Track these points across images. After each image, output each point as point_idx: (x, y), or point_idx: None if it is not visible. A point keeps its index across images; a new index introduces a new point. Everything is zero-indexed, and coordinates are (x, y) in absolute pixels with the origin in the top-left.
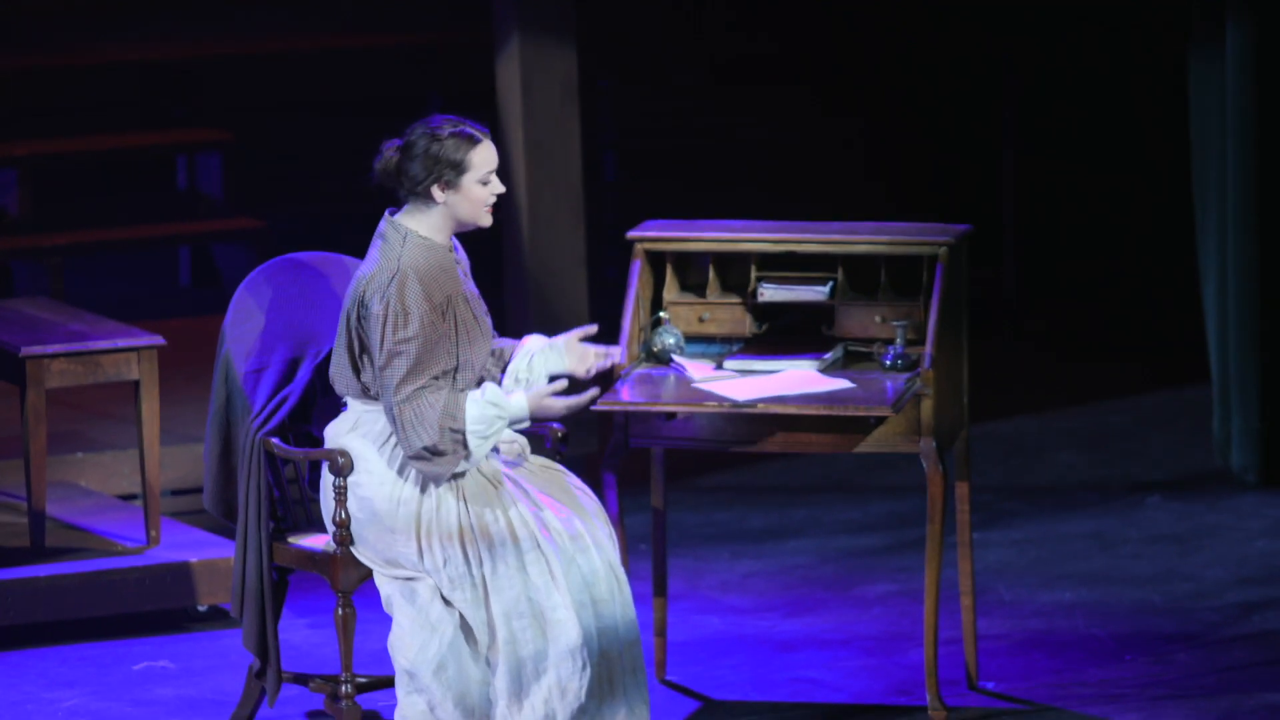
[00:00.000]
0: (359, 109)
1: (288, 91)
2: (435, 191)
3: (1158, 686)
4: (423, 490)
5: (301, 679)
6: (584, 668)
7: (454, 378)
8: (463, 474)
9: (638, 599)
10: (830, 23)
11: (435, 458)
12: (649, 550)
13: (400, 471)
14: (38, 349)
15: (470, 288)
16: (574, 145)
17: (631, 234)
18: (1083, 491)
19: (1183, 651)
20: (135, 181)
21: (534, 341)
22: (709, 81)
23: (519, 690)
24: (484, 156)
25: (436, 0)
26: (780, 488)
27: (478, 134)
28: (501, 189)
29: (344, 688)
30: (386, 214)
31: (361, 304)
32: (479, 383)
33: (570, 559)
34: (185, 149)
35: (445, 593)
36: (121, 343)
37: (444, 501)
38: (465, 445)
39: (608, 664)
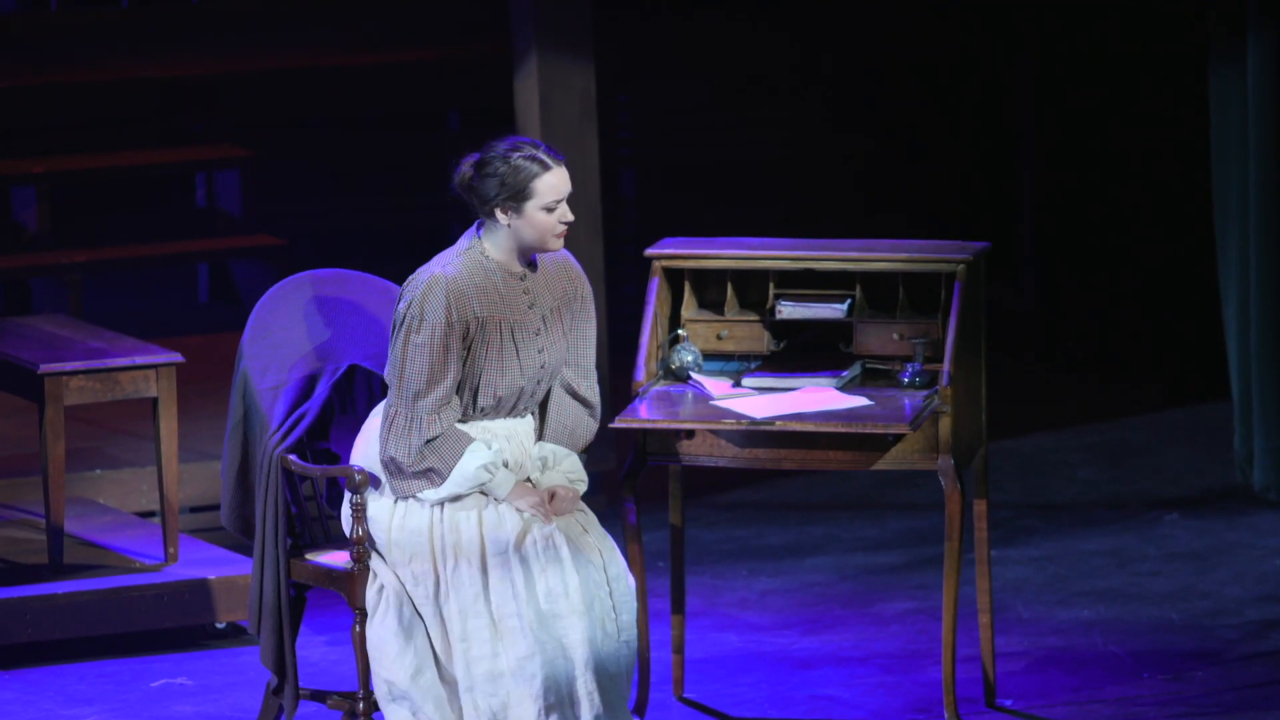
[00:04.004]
0: (378, 125)
1: (307, 108)
2: (499, 214)
3: (1176, 704)
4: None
5: (319, 695)
6: (532, 677)
7: (474, 396)
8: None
9: (656, 616)
10: (848, 39)
11: (397, 474)
12: (667, 568)
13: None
14: (56, 366)
15: (534, 321)
16: (592, 161)
17: (649, 251)
18: (1101, 509)
19: (1201, 669)
20: (154, 198)
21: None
22: (727, 97)
23: (471, 688)
24: (550, 184)
25: (455, 16)
26: (798, 505)
27: (549, 160)
28: (570, 217)
29: (361, 705)
30: (475, 224)
31: (400, 298)
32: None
33: (536, 573)
34: (204, 166)
35: (409, 588)
36: (140, 360)
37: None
38: (433, 483)
39: (570, 680)
